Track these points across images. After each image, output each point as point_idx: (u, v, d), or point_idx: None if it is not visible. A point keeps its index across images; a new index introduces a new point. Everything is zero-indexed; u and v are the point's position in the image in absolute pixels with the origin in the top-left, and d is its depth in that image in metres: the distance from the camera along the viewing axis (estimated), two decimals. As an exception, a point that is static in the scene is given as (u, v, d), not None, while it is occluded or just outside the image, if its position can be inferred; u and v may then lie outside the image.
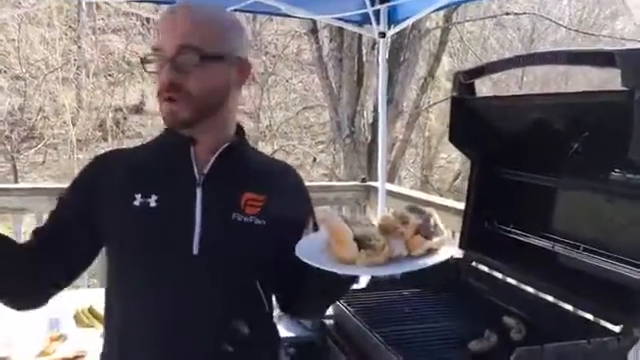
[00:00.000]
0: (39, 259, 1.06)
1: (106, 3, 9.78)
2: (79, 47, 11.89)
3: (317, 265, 0.94)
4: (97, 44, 12.04)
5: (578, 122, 1.43)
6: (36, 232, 1.12)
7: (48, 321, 1.70)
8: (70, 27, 12.00)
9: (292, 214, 1.13)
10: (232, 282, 1.03)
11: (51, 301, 1.14)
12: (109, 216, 1.08)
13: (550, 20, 10.51)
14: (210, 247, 1.05)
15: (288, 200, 1.14)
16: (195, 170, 1.09)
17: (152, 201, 1.05)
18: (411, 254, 0.98)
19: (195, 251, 1.05)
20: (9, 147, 11.00)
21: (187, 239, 1.05)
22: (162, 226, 1.05)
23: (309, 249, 1.00)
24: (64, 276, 1.12)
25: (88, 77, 11.97)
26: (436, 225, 1.01)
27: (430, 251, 0.98)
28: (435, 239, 0.99)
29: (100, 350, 1.16)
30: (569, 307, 1.49)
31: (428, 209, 1.04)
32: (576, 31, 10.44)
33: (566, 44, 10.71)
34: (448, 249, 1.01)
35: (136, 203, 1.05)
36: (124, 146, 1.29)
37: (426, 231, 0.99)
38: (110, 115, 12.18)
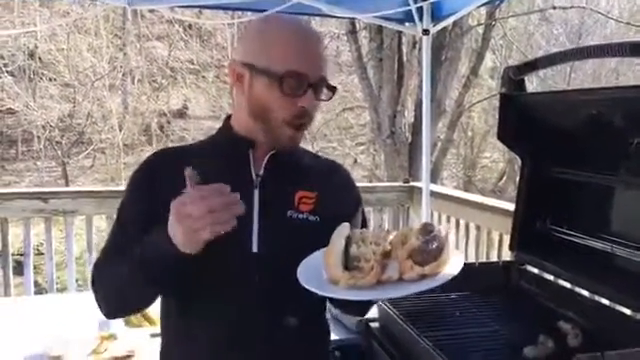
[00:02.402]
0: None
1: (150, 11, 10.04)
2: (124, 54, 12.27)
3: (302, 282, 0.96)
4: (142, 51, 12.39)
5: (637, 117, 1.35)
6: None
7: (99, 322, 1.74)
8: (116, 35, 12.40)
9: (342, 209, 1.15)
10: (289, 276, 1.04)
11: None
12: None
13: (599, 13, 10.13)
14: (268, 244, 1.09)
15: (338, 196, 1.18)
16: (252, 172, 1.13)
17: None
18: (403, 278, 0.93)
19: (255, 249, 1.09)
20: (60, 152, 11.46)
21: (247, 238, 1.09)
22: None
23: (313, 264, 1.00)
24: None
25: (133, 83, 12.35)
26: (437, 249, 0.94)
27: (423, 277, 0.93)
28: (430, 265, 0.93)
29: (152, 347, 1.18)
30: (628, 311, 1.41)
31: (444, 229, 0.99)
32: (627, 24, 10.01)
33: (617, 38, 10.29)
34: (444, 276, 0.94)
35: None
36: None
37: (420, 255, 0.93)
38: (155, 120, 12.51)
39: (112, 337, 1.75)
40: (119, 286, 1.07)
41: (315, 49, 1.10)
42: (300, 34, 1.11)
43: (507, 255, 1.86)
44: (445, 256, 0.95)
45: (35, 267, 3.16)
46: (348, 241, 0.99)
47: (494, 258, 2.71)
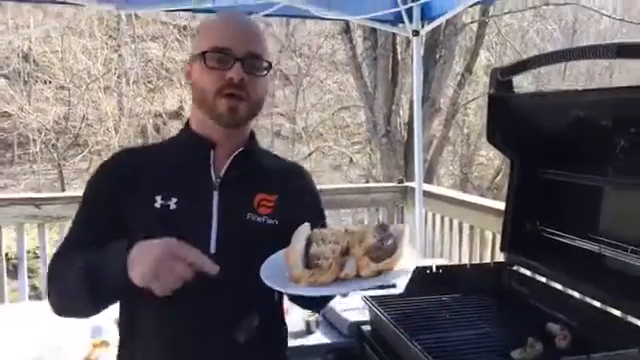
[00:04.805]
0: None
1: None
2: (119, 56, 12.23)
3: (265, 280, 0.99)
4: (136, 52, 12.35)
5: (624, 118, 1.36)
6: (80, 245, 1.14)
7: (91, 328, 1.74)
8: (110, 36, 12.36)
9: (302, 212, 1.16)
10: (246, 277, 1.06)
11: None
12: (132, 217, 1.12)
13: (593, 10, 10.14)
14: (226, 246, 1.11)
15: (298, 199, 1.21)
16: (212, 173, 1.16)
17: (172, 203, 1.12)
18: (360, 274, 0.98)
19: (213, 250, 1.11)
20: (56, 155, 11.43)
21: (205, 239, 1.11)
22: (181, 227, 1.09)
23: (275, 262, 1.04)
24: None
25: (128, 85, 12.30)
26: (392, 246, 0.99)
27: (379, 272, 0.98)
28: (385, 261, 0.97)
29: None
30: (617, 312, 1.41)
31: (401, 227, 1.04)
32: (621, 20, 10.03)
33: (611, 34, 10.31)
34: (399, 271, 0.99)
35: (157, 205, 1.11)
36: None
37: (375, 252, 0.98)
38: (150, 121, 12.47)
39: (104, 344, 1.74)
40: (64, 289, 1.07)
41: (240, 27, 1.14)
42: (227, 17, 1.18)
43: (501, 255, 1.86)
44: (399, 253, 0.99)
45: (32, 270, 3.15)
46: (309, 240, 1.03)
47: (488, 257, 2.72)
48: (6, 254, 2.97)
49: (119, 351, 1.21)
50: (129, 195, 1.13)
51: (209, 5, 2.52)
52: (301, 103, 12.35)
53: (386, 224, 1.05)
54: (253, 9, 2.52)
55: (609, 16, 10.21)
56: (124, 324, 1.19)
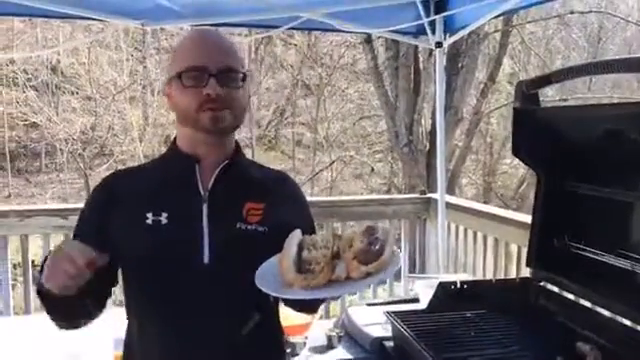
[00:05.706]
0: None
1: (168, 24, 10.15)
2: (144, 67, 12.42)
3: (260, 286, 1.03)
4: (161, 64, 12.52)
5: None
6: None
7: (113, 341, 1.75)
8: (136, 48, 12.57)
9: (290, 219, 1.19)
10: (241, 284, 1.09)
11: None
12: (124, 236, 1.16)
13: (618, 17, 9.97)
14: (219, 256, 1.15)
15: (285, 206, 1.24)
16: (200, 187, 1.19)
17: (163, 219, 1.15)
18: (350, 277, 1.02)
19: (206, 260, 1.14)
20: (82, 164, 11.64)
21: (198, 250, 1.14)
22: (174, 241, 1.14)
23: (269, 269, 1.07)
24: (104, 300, 1.21)
25: (153, 95, 12.48)
26: (379, 249, 1.04)
27: (368, 274, 1.02)
28: (373, 264, 1.02)
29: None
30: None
31: (384, 230, 1.08)
32: (648, 27, 9.83)
33: (637, 42, 10.11)
34: (386, 272, 1.03)
35: (148, 222, 1.15)
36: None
37: (364, 255, 1.02)
38: (174, 131, 12.61)
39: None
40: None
41: (211, 44, 1.18)
42: (197, 36, 1.24)
43: (526, 269, 1.82)
44: (386, 254, 1.03)
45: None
46: (300, 246, 1.06)
47: (513, 271, 2.66)
48: (32, 261, 3.02)
49: (124, 351, 1.24)
50: (119, 216, 1.17)
51: (234, 20, 2.55)
52: (322, 112, 12.36)
53: (373, 227, 1.08)
54: (277, 23, 2.54)
55: (635, 23, 10.03)
56: (128, 326, 1.22)
